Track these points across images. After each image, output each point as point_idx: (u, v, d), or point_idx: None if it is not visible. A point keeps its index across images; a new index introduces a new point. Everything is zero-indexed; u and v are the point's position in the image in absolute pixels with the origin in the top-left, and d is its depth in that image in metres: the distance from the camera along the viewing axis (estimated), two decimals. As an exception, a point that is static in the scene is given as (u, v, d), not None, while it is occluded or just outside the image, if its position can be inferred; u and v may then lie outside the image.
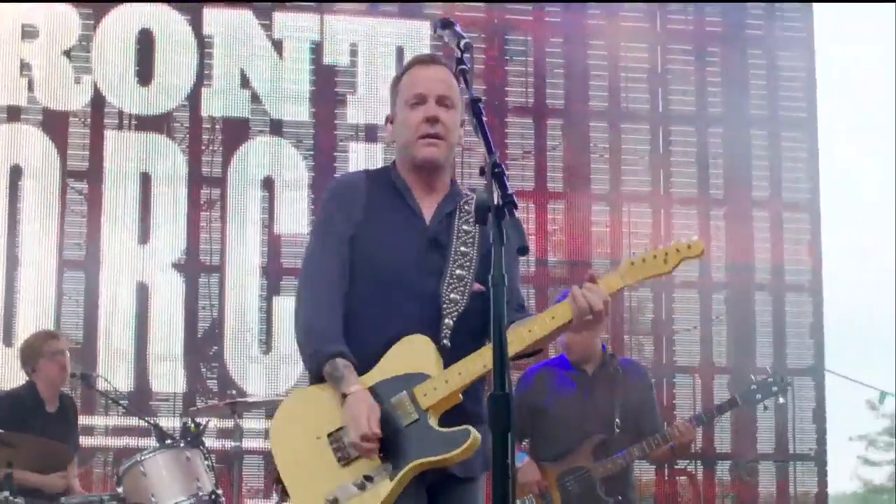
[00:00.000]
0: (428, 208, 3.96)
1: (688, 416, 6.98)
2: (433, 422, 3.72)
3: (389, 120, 4.07)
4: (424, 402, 3.71)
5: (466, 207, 3.93)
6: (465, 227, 3.91)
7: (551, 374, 6.65)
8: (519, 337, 3.71)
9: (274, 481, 3.90)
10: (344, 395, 3.73)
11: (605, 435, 6.50)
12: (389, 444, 3.70)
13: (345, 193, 4.00)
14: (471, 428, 3.66)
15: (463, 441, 3.66)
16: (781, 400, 6.85)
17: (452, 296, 3.81)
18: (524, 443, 6.67)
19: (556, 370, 6.67)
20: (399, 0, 9.63)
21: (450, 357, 3.74)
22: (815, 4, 10.22)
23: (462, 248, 3.88)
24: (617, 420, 6.53)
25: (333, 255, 3.90)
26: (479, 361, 3.70)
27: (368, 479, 3.69)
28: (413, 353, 3.77)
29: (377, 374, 3.78)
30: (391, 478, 3.68)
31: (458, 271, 3.84)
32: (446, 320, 3.79)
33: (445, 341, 3.77)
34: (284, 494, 3.83)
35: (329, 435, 3.77)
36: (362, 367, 3.77)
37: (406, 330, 3.79)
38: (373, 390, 3.75)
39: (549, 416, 6.55)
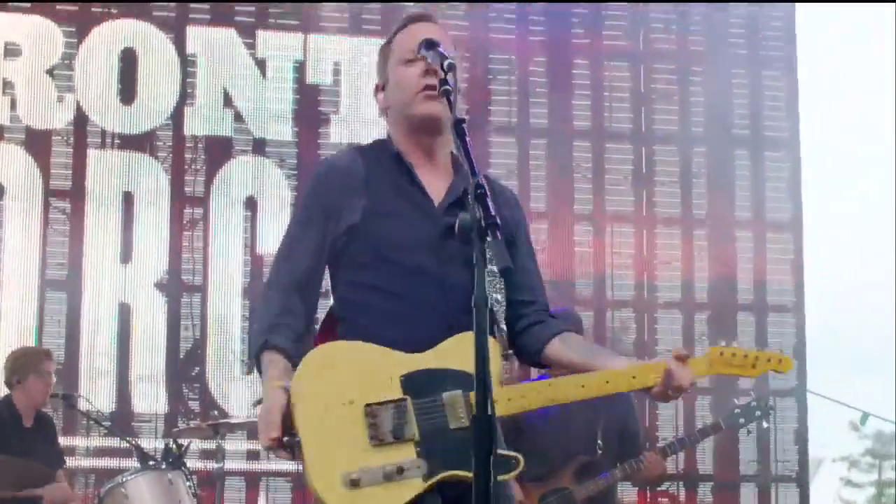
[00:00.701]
0: (436, 188, 3.62)
1: (670, 437, 6.95)
2: None
3: (379, 87, 3.74)
4: None
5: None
6: None
7: (534, 395, 6.63)
8: (598, 384, 3.59)
9: (287, 433, 3.40)
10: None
11: (588, 456, 6.49)
12: (429, 441, 3.39)
13: (334, 182, 3.62)
14: (520, 456, 3.44)
15: (513, 467, 3.43)
16: (766, 425, 6.84)
17: (496, 296, 3.49)
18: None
19: (539, 391, 6.65)
20: (382, 0, 9.57)
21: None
22: (798, 23, 10.27)
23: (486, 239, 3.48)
24: (599, 441, 6.52)
25: (301, 255, 3.60)
26: (544, 394, 3.59)
27: (400, 471, 3.34)
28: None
29: (433, 358, 3.46)
30: (424, 479, 3.36)
31: (488, 266, 3.34)
32: (502, 325, 3.48)
33: (511, 351, 3.54)
34: (293, 449, 3.39)
35: (367, 406, 3.39)
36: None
37: (439, 324, 3.48)
38: (426, 373, 3.43)
39: (532, 435, 6.53)
